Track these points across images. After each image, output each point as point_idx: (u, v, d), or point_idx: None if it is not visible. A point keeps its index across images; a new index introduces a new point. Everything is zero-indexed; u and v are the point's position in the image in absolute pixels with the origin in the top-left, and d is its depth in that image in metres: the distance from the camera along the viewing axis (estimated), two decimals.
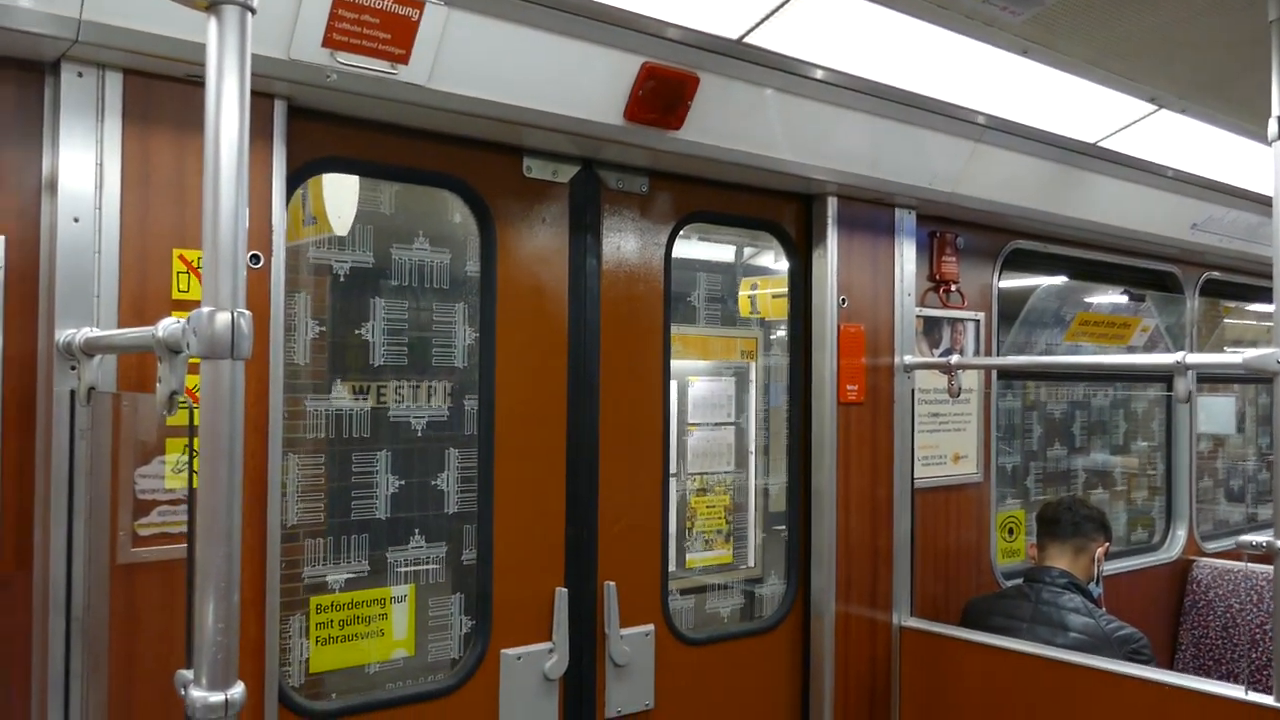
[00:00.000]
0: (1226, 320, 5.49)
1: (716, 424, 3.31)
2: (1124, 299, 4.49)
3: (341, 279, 2.41)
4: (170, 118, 2.00)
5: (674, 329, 2.94)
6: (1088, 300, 4.26)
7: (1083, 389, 4.71)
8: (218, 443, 1.28)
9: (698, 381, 3.25)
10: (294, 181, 2.24)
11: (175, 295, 2.00)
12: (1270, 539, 2.38)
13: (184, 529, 2.04)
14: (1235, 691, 2.52)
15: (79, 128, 1.91)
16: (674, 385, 3.02)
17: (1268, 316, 5.29)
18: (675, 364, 2.97)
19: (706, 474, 3.30)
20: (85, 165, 1.92)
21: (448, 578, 2.58)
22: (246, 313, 1.29)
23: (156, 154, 1.99)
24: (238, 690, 1.32)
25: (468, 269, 2.60)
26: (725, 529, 3.31)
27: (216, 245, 1.29)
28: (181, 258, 2.01)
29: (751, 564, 3.38)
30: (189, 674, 1.35)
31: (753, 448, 3.38)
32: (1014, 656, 3.02)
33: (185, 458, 2.03)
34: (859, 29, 2.56)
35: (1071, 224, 3.77)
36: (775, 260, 3.28)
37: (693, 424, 3.27)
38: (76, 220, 1.91)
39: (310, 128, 2.26)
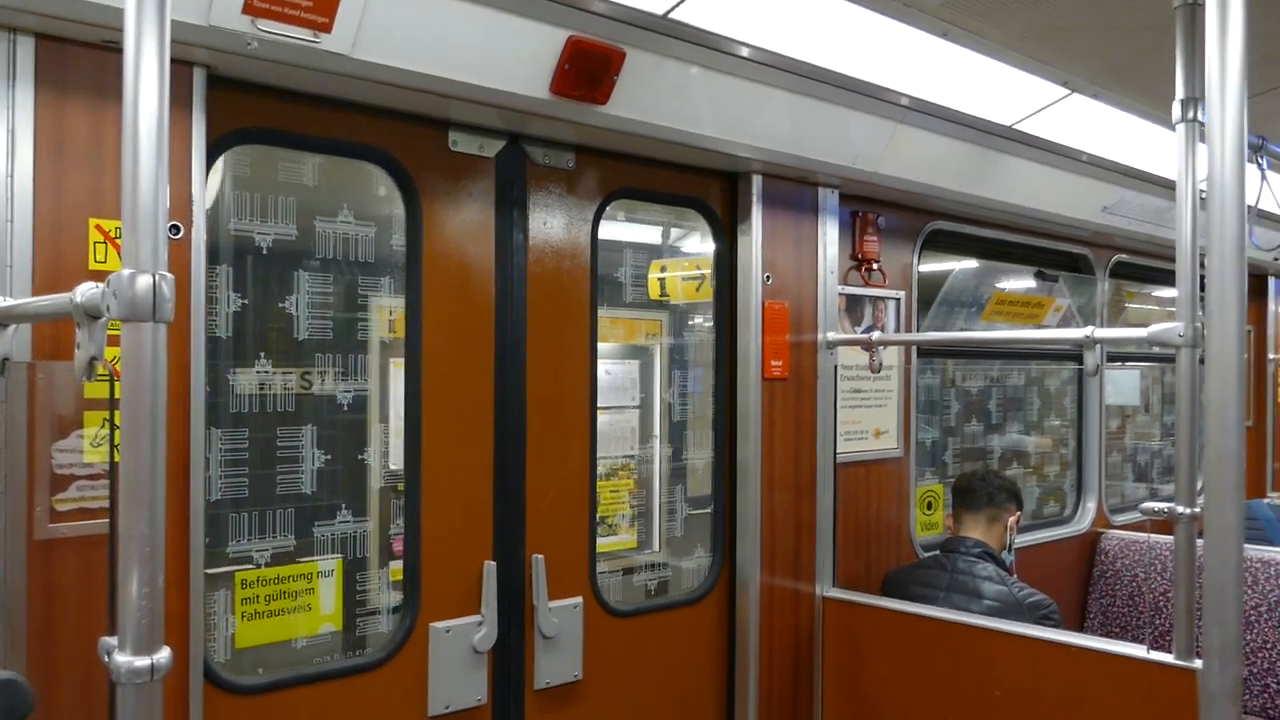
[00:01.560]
0: (1130, 305, 5.69)
1: (621, 408, 3.24)
2: (1035, 282, 4.63)
3: (264, 252, 2.38)
4: (86, 84, 1.96)
5: None
6: (999, 286, 4.39)
7: (998, 367, 4.85)
8: (140, 405, 1.27)
9: (602, 365, 3.11)
10: (214, 152, 2.21)
11: (92, 265, 1.97)
12: (1172, 505, 2.48)
13: (103, 504, 2.01)
14: (1138, 651, 2.64)
15: None
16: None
17: (1169, 301, 5.49)
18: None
19: (612, 458, 3.21)
20: None
21: (375, 552, 2.58)
22: (169, 275, 1.28)
23: (71, 121, 1.95)
24: (164, 655, 1.32)
25: (393, 243, 2.59)
26: (629, 513, 3.31)
27: (136, 208, 1.28)
28: (98, 227, 1.98)
29: (656, 548, 3.36)
30: (112, 640, 1.34)
31: (658, 431, 3.35)
32: (931, 623, 3.11)
33: (104, 431, 2.00)
34: (784, 7, 2.60)
35: (989, 205, 3.87)
36: (699, 242, 3.30)
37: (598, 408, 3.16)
38: None
39: (231, 97, 2.23)
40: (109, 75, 1.98)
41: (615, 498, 3.23)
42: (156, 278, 1.26)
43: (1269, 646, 4.20)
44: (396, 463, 2.60)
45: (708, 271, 3.28)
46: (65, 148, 1.94)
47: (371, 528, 2.58)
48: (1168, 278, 4.78)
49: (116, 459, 1.34)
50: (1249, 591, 4.26)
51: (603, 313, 3.00)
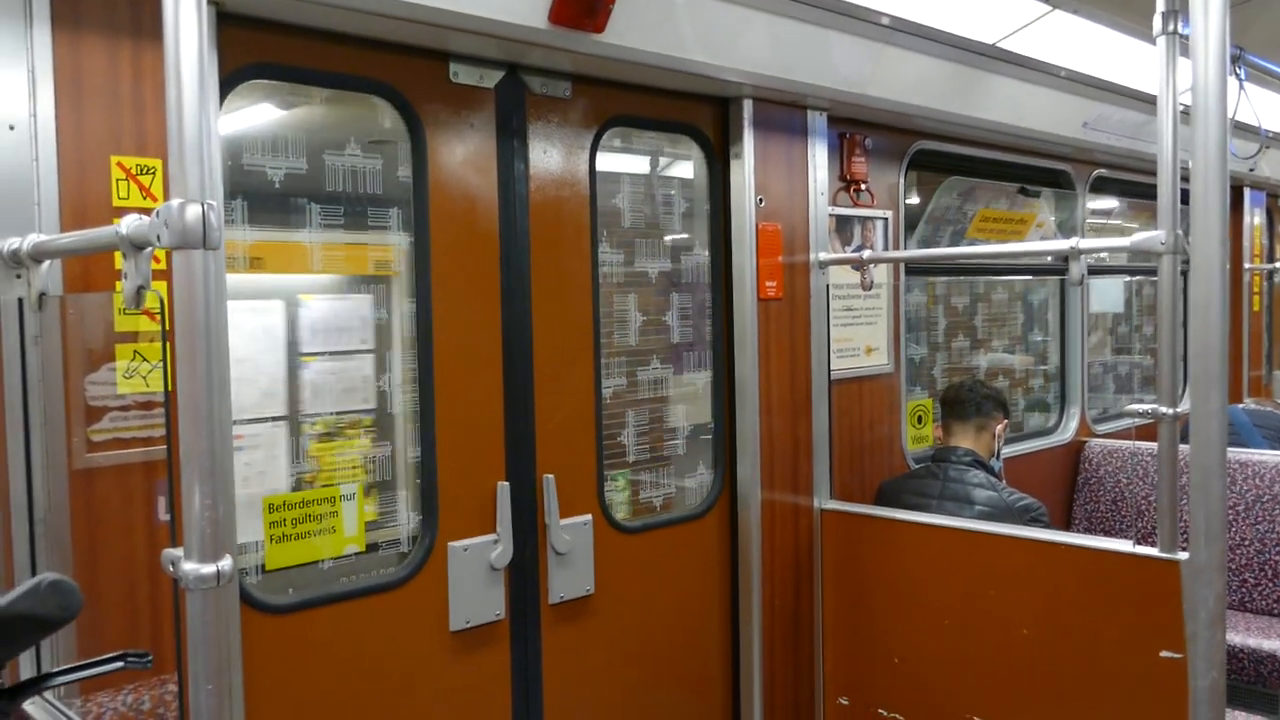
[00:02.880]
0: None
1: (344, 353, 2.62)
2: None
3: (277, 185, 2.44)
4: (100, 23, 2.00)
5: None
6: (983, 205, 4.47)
7: (983, 284, 4.96)
8: (195, 329, 1.34)
9: (312, 301, 2.57)
10: (225, 88, 2.25)
11: (116, 202, 2.02)
12: (1155, 407, 2.59)
13: (136, 434, 2.09)
14: (1124, 546, 2.77)
15: (7, 35, 1.90)
16: (281, 306, 2.51)
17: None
18: (275, 280, 2.47)
19: (331, 415, 2.61)
20: (17, 73, 1.91)
21: (394, 476, 2.67)
22: (215, 204, 1.35)
23: (89, 61, 1.99)
24: (227, 562, 1.41)
25: (400, 175, 2.64)
26: (366, 480, 2.66)
27: (182, 139, 1.34)
28: (120, 164, 2.03)
29: (405, 520, 2.73)
30: (177, 551, 1.43)
31: (398, 379, 2.70)
32: (925, 529, 3.24)
33: (135, 363, 2.07)
34: None
35: (972, 124, 3.93)
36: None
37: (308, 354, 2.56)
38: (12, 128, 1.91)
39: (238, 34, 2.27)
40: (120, 12, 2.02)
41: (345, 464, 2.60)
42: (205, 206, 1.33)
43: (1245, 544, 4.38)
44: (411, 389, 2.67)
45: None
46: (84, 87, 1.98)
47: (389, 452, 2.66)
48: (1147, 191, 4.87)
49: (171, 386, 1.41)
50: (1228, 491, 4.42)
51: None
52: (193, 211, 1.33)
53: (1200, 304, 1.93)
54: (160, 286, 1.88)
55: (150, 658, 1.64)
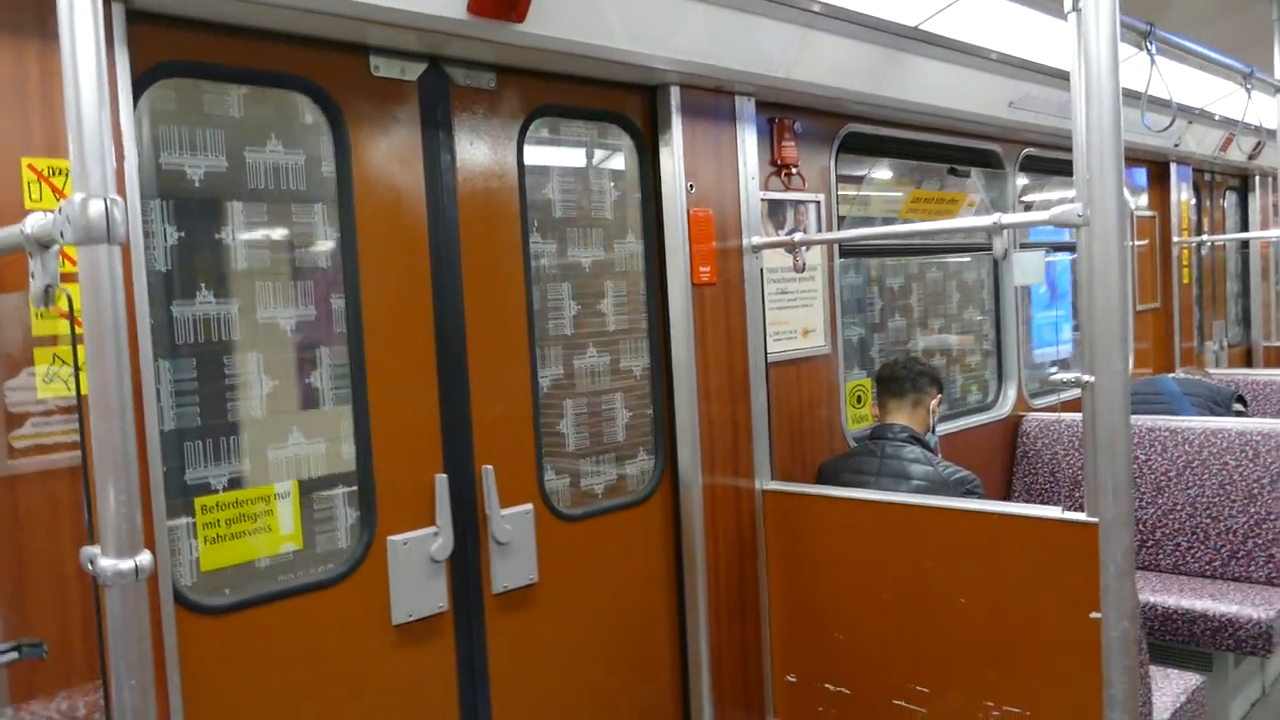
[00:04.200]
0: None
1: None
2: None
3: (197, 184, 2.41)
4: (4, 25, 1.97)
5: None
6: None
7: (917, 264, 5.03)
8: (103, 323, 1.34)
9: None
10: (139, 87, 2.23)
11: (28, 204, 2.00)
12: (1078, 375, 2.65)
13: (58, 440, 2.07)
14: (1054, 512, 2.84)
15: None
16: None
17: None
18: None
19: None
20: None
21: (329, 472, 2.66)
22: (119, 199, 1.35)
23: None
24: (145, 557, 1.41)
25: (324, 170, 2.63)
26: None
27: (82, 135, 1.33)
28: (31, 167, 2.00)
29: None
30: (94, 549, 1.42)
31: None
32: (864, 505, 3.30)
33: (55, 367, 2.05)
34: None
35: (900, 106, 3.99)
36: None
37: None
38: None
39: (151, 32, 2.25)
40: (26, 14, 1.99)
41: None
42: (108, 201, 1.33)
43: (1178, 509, 4.50)
44: (344, 385, 2.67)
45: None
46: None
47: (323, 449, 2.66)
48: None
49: (83, 382, 1.41)
50: (1159, 459, 4.54)
51: None
52: (95, 207, 1.33)
53: (1100, 268, 1.98)
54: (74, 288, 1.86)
55: (45, 646, 1.64)
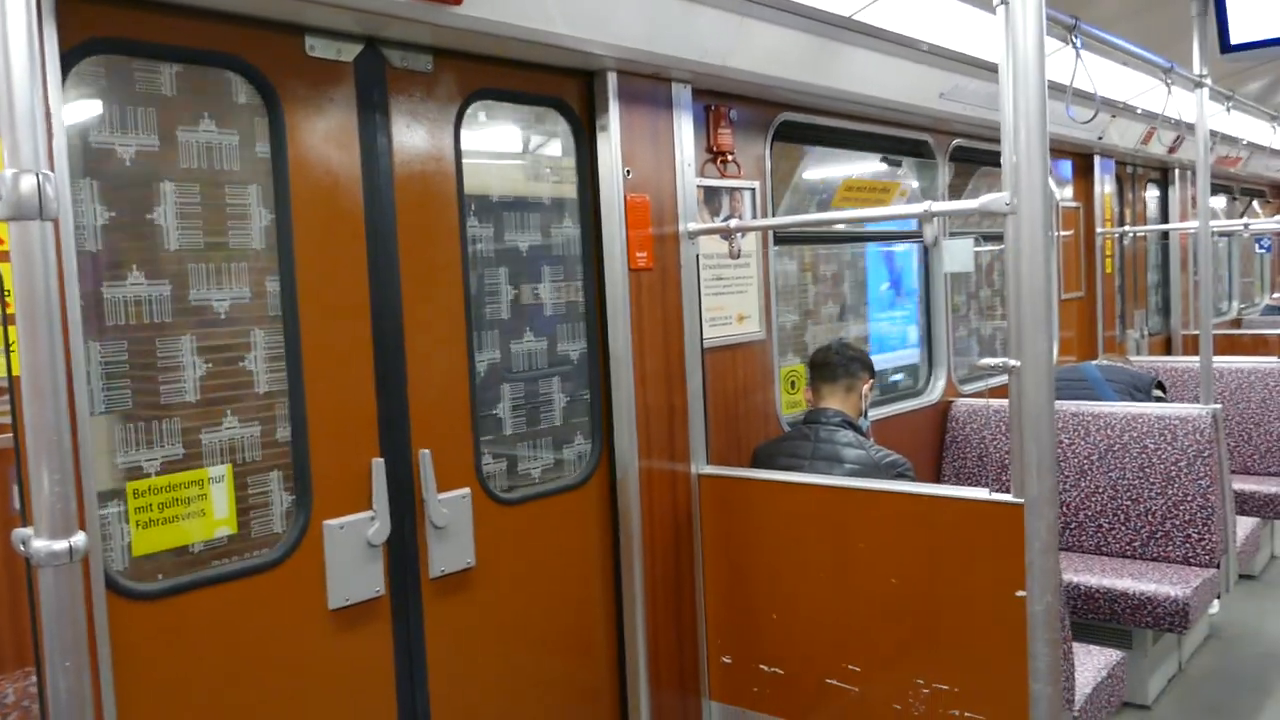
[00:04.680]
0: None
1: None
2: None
3: (127, 163, 2.37)
4: None
5: None
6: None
7: (850, 252, 5.11)
8: (35, 301, 1.33)
9: None
10: (67, 63, 2.18)
11: None
12: (1005, 360, 2.72)
13: None
14: (982, 494, 2.92)
15: None
16: None
17: None
18: None
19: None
20: None
21: (264, 455, 2.64)
22: (50, 174, 1.33)
23: None
24: (80, 538, 1.39)
25: (258, 151, 2.60)
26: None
27: (13, 110, 1.31)
28: None
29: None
30: (27, 530, 1.41)
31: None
32: (798, 489, 3.36)
33: None
34: None
35: (834, 95, 4.05)
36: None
37: None
38: None
39: (80, 8, 2.20)
40: None
41: None
42: (40, 176, 1.31)
43: (1100, 491, 4.64)
44: (279, 368, 2.64)
45: None
46: None
47: (257, 432, 2.63)
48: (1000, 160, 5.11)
49: (14, 362, 1.39)
50: (1082, 443, 4.67)
51: None
52: (27, 182, 1.31)
53: (1027, 256, 2.05)
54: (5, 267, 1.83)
55: None
